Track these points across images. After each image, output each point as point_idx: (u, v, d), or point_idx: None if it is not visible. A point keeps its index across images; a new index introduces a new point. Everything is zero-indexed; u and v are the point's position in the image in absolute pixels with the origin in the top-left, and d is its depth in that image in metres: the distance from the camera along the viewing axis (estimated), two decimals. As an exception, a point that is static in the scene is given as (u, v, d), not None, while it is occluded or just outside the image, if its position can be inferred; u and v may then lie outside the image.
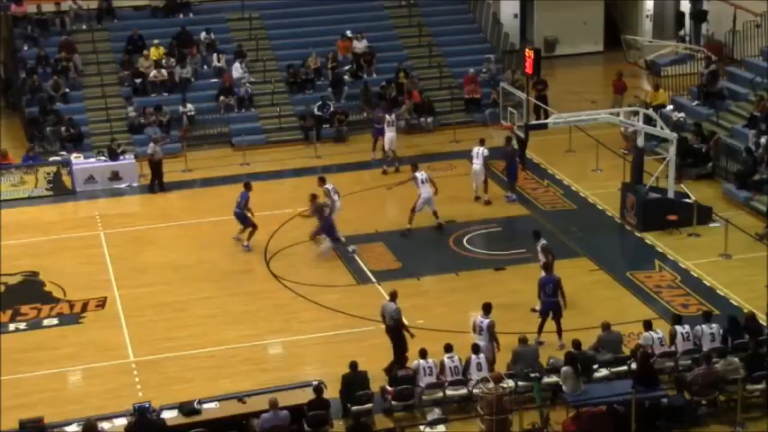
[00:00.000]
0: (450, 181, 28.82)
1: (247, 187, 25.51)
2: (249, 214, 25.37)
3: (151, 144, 30.13)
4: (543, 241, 22.50)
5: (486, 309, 19.44)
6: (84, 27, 36.40)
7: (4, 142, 32.73)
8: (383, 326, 19.98)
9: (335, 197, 25.56)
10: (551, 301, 20.51)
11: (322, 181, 26.04)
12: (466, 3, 39.56)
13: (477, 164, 27.88)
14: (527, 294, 22.18)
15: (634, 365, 18.68)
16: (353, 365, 18.31)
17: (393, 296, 20.00)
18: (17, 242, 26.65)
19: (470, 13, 39.38)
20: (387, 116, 30.86)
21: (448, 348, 18.75)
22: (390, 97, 34.33)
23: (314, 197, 25.31)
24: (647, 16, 42.30)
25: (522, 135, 27.99)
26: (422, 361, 18.58)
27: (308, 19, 37.66)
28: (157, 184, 29.75)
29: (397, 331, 19.71)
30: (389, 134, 30.63)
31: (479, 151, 27.91)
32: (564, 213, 27.58)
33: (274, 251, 25.52)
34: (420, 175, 26.06)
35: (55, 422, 17.33)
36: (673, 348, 19.20)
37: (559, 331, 20.48)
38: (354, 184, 29.43)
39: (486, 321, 19.25)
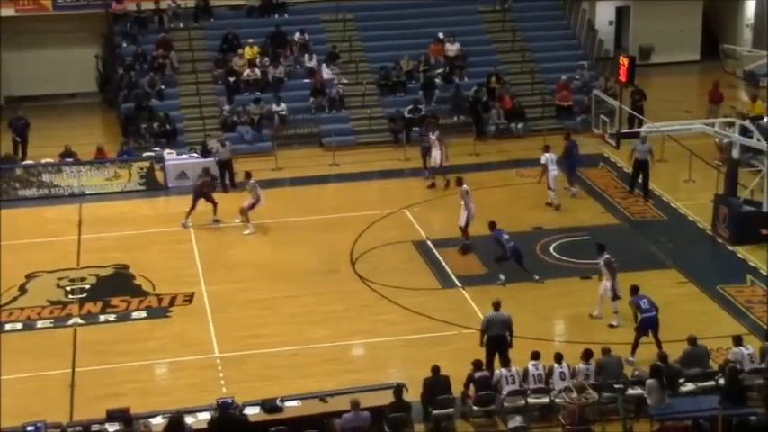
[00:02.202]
0: (539, 188, 28.54)
1: (207, 173, 28.22)
2: (200, 198, 27.41)
3: (216, 144, 30.60)
4: (606, 255, 21.95)
5: None
6: (182, 25, 37.00)
7: (100, 137, 33.46)
8: (480, 336, 19.69)
9: (258, 190, 27.20)
10: (652, 316, 20.07)
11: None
12: (561, 9, 39.25)
13: (555, 170, 27.80)
14: (613, 304, 21.88)
15: (722, 381, 18.35)
16: (435, 369, 18.27)
17: (498, 306, 19.79)
18: (110, 235, 27.18)
19: (565, 20, 39.06)
20: (431, 135, 30.37)
21: (535, 356, 18.60)
22: (482, 101, 34.28)
23: (248, 175, 27.55)
24: (747, 26, 41.47)
25: (613, 144, 27.66)
26: (503, 370, 18.48)
27: (401, 22, 37.76)
28: (229, 184, 30.14)
29: (506, 340, 19.55)
30: (435, 152, 30.25)
31: (551, 157, 27.85)
32: (654, 224, 27.20)
33: (360, 252, 25.62)
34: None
35: (141, 413, 17.57)
36: (763, 365, 18.78)
37: (658, 343, 19.96)
38: (442, 187, 29.40)
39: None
